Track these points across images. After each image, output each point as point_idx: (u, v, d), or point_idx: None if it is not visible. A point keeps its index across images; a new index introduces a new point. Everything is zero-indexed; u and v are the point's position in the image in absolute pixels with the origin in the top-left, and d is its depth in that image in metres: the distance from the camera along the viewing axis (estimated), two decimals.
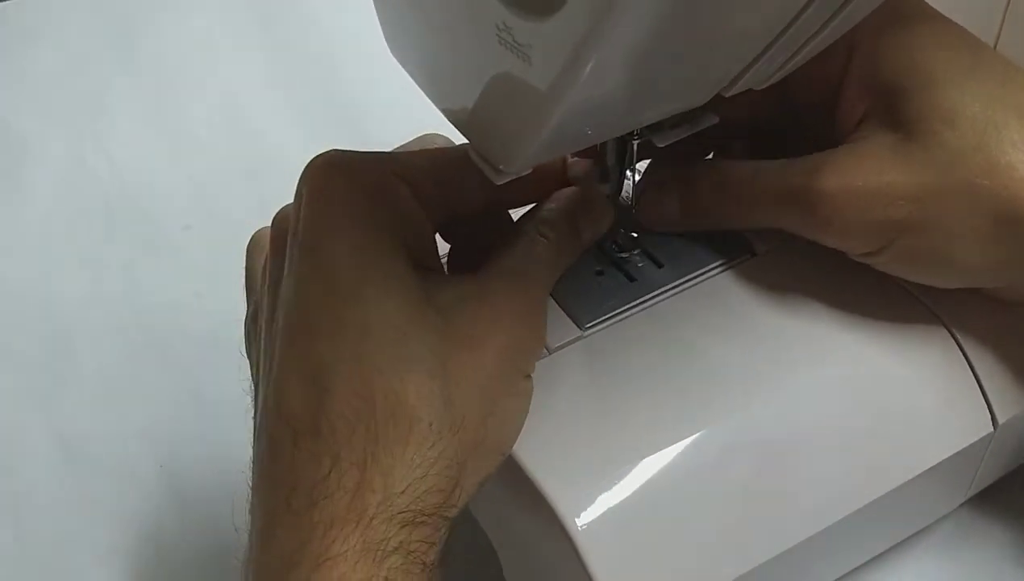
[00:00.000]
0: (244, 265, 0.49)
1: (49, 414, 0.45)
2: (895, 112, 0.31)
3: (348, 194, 0.28)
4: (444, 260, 0.34)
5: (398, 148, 0.33)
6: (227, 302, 0.49)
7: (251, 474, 0.28)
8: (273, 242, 0.31)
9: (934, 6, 0.32)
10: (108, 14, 0.67)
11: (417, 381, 0.26)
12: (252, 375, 0.33)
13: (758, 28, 0.25)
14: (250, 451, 0.30)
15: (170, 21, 0.67)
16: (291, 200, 0.56)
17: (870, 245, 0.31)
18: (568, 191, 0.32)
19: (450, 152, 0.31)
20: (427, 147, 0.33)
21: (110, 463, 0.43)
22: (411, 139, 0.34)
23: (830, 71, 0.32)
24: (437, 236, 0.32)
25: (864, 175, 0.30)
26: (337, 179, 0.28)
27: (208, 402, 0.45)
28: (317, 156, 0.29)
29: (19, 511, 0.42)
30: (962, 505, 0.37)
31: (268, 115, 0.60)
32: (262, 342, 0.30)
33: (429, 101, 0.30)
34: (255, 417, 0.30)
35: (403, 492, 0.26)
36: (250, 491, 0.28)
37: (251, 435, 0.32)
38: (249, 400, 0.33)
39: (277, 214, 0.31)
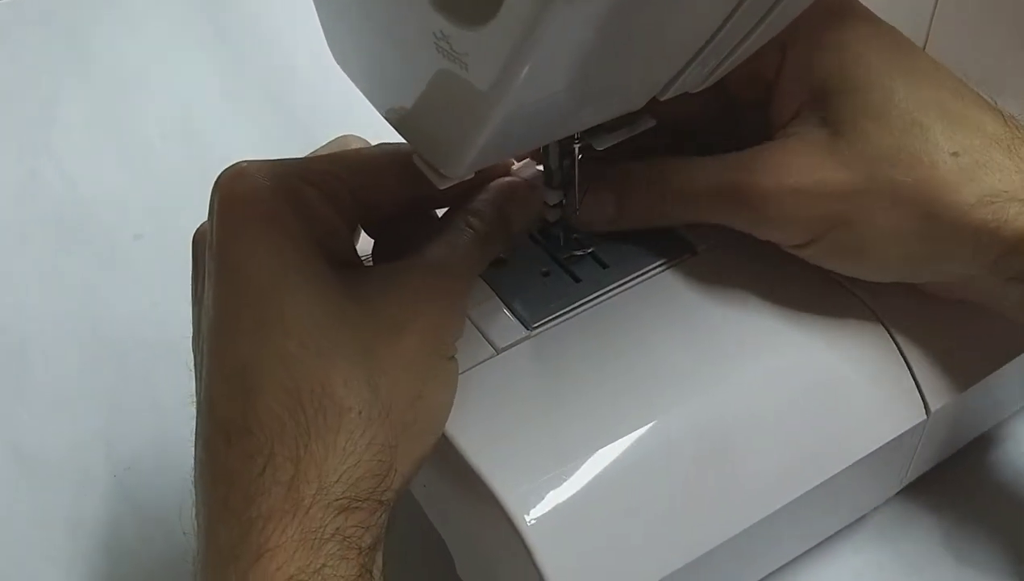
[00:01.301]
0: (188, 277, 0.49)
1: (3, 424, 0.45)
2: (827, 110, 0.32)
3: (255, 199, 0.29)
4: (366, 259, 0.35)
5: (314, 151, 0.34)
6: (182, 310, 0.49)
7: (193, 479, 0.29)
8: (194, 259, 0.32)
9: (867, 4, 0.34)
10: (59, 25, 0.67)
11: (342, 371, 0.27)
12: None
13: (686, 36, 0.26)
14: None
15: (122, 33, 0.67)
16: None
17: (801, 237, 0.32)
18: (496, 182, 0.33)
19: (365, 155, 0.32)
20: (343, 148, 0.33)
21: (65, 471, 0.43)
22: (327, 141, 0.34)
23: (765, 69, 0.33)
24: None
25: (796, 173, 0.31)
26: (243, 186, 0.29)
27: (165, 410, 0.45)
28: (227, 168, 0.30)
29: None
30: (898, 494, 0.38)
31: (220, 124, 0.60)
32: (195, 354, 0.31)
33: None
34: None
35: (337, 480, 0.26)
36: (193, 494, 0.29)
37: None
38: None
39: (196, 231, 0.32)
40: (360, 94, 0.32)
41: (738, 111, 0.35)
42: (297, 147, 0.56)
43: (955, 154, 0.30)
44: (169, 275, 0.51)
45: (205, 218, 0.55)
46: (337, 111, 0.58)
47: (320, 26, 0.31)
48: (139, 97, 0.62)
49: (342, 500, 0.26)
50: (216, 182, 0.29)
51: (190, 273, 0.50)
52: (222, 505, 0.27)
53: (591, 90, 0.26)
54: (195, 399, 0.32)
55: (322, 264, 0.28)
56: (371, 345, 0.28)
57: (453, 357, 0.31)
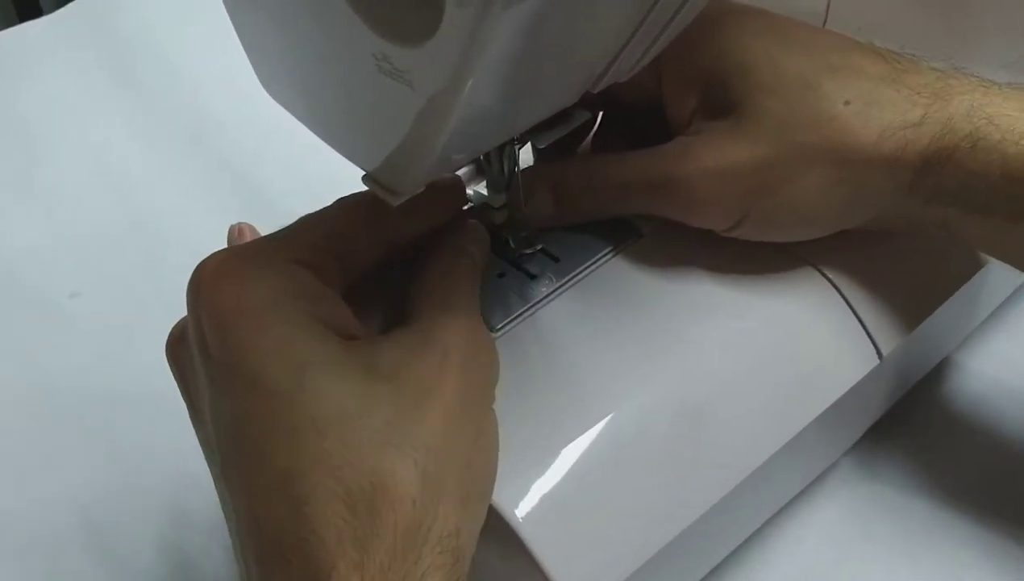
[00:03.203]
0: (135, 328, 0.48)
1: None
2: (720, 100, 0.33)
3: (252, 299, 0.27)
4: None
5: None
6: (129, 362, 0.48)
7: None
8: (177, 366, 0.30)
9: None
10: None
11: (387, 461, 0.25)
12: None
13: (615, 31, 0.27)
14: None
15: (20, 87, 0.65)
16: (176, 252, 0.55)
17: (730, 218, 0.34)
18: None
19: (337, 213, 0.30)
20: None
21: (40, 535, 0.42)
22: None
23: (646, 80, 0.34)
24: None
25: (712, 157, 0.33)
26: (233, 282, 0.27)
27: (131, 462, 0.44)
28: (203, 264, 0.28)
29: None
30: (860, 439, 0.40)
31: (138, 169, 0.59)
32: (212, 466, 0.29)
33: (301, 131, 0.31)
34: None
35: None
36: None
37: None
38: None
39: (172, 334, 0.30)
40: (276, 118, 0.32)
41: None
42: (224, 181, 0.57)
43: (847, 102, 0.32)
44: (112, 329, 0.50)
45: (136, 266, 0.54)
46: (260, 140, 0.58)
47: (230, 56, 0.31)
48: (50, 151, 0.61)
49: None
50: (195, 282, 0.27)
51: (132, 322, 0.50)
52: None
53: (530, 91, 0.27)
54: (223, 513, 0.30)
55: (337, 348, 0.27)
56: (409, 422, 0.26)
57: (491, 408, 0.29)
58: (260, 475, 0.26)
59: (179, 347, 0.29)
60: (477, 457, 0.28)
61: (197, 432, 0.30)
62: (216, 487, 0.29)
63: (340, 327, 0.28)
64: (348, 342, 0.27)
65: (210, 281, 0.27)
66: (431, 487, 0.26)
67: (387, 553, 0.25)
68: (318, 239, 0.29)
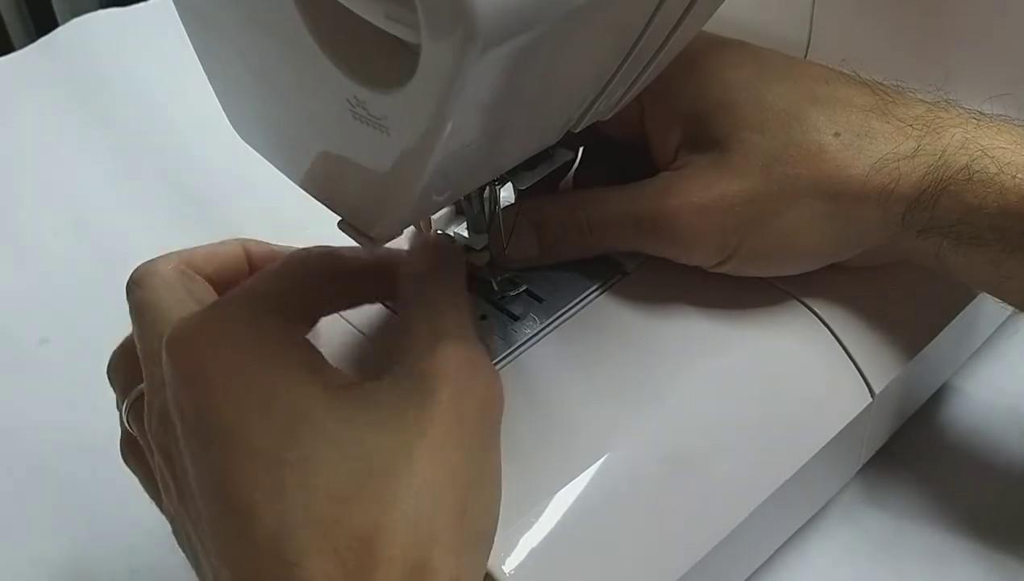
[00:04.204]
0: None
1: None
2: (703, 136, 0.33)
3: (230, 351, 0.26)
4: None
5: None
6: (103, 410, 0.47)
7: None
8: (155, 438, 0.28)
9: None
10: None
11: (375, 517, 0.25)
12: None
13: (594, 73, 0.26)
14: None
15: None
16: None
17: (718, 254, 0.33)
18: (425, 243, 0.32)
19: (300, 261, 0.29)
20: (224, 252, 0.32)
21: None
22: (207, 244, 0.32)
23: (628, 115, 0.34)
24: None
25: (697, 192, 0.32)
26: (210, 342, 0.26)
27: (104, 520, 0.43)
28: (174, 331, 0.27)
29: None
30: (857, 472, 0.39)
31: (112, 211, 0.57)
32: (190, 535, 0.28)
33: (278, 174, 0.30)
34: None
35: None
36: None
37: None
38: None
39: (131, 397, 0.29)
40: (253, 161, 0.31)
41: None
42: (199, 222, 0.55)
43: (837, 134, 0.32)
44: (83, 376, 0.49)
45: (109, 312, 0.52)
46: (236, 180, 0.57)
47: (208, 99, 0.30)
48: (19, 192, 0.59)
49: None
50: (168, 350, 0.26)
51: (104, 370, 0.48)
52: None
53: (511, 133, 0.26)
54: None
55: (322, 400, 0.26)
56: (398, 472, 0.25)
57: (496, 446, 0.28)
58: (248, 537, 0.25)
59: (144, 411, 0.28)
60: (476, 497, 0.27)
61: (164, 492, 0.29)
62: (186, 549, 0.28)
63: (324, 376, 0.27)
64: (336, 390, 0.26)
65: (184, 345, 0.26)
66: (423, 538, 0.25)
67: None
68: (286, 286, 0.28)
